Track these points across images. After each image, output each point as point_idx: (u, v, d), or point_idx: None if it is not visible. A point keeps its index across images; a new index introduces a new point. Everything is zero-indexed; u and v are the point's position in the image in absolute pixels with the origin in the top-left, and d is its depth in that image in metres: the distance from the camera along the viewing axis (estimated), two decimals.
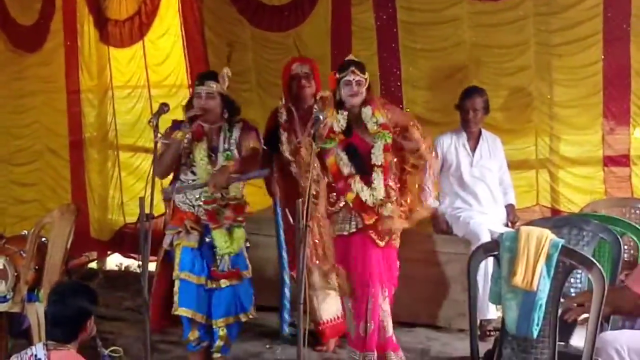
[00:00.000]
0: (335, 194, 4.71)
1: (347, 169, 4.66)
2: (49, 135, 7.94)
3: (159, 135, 4.13)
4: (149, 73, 7.50)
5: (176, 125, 4.68)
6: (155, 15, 7.32)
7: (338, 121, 4.67)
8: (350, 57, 4.88)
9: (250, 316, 4.84)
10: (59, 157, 7.92)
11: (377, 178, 4.62)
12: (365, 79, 4.67)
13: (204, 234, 4.73)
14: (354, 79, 4.62)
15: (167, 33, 7.37)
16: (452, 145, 5.68)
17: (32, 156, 7.99)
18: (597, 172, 5.95)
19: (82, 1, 7.56)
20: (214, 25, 7.07)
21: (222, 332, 4.76)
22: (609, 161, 5.90)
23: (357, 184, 4.64)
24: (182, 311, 4.67)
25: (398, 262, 4.79)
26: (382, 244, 4.65)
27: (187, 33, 7.23)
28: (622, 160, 5.87)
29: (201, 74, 4.97)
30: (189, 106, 4.76)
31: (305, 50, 6.62)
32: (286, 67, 5.39)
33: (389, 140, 4.65)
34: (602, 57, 5.77)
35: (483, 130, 5.73)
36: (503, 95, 6.08)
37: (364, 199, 4.62)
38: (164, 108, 4.27)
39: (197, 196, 4.71)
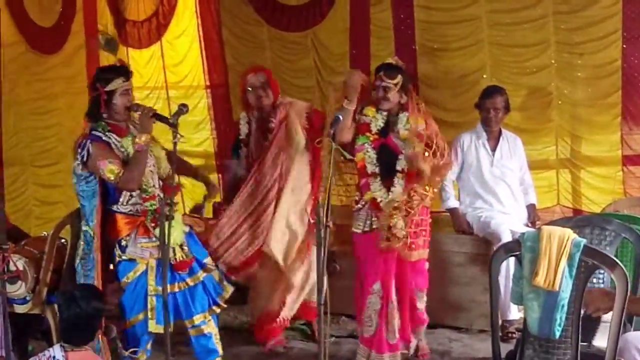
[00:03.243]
0: (358, 193, 4.76)
1: (371, 167, 4.69)
2: (71, 137, 7.84)
3: (179, 136, 4.10)
4: (166, 74, 7.52)
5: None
6: (172, 15, 7.34)
7: (377, 120, 4.70)
8: (388, 60, 4.84)
9: None
10: None
11: (398, 183, 4.63)
12: (396, 84, 4.63)
13: None
14: (380, 84, 4.64)
15: (185, 34, 7.39)
16: (472, 144, 5.64)
17: (56, 158, 7.95)
18: (616, 172, 5.90)
19: (102, 2, 7.58)
20: (231, 26, 7.08)
21: None
22: (627, 161, 5.85)
23: (375, 184, 4.66)
24: None
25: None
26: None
27: (204, 33, 7.27)
28: None
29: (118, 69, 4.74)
30: (137, 107, 4.56)
31: (323, 50, 6.64)
32: (242, 77, 5.38)
33: (418, 149, 4.59)
34: (621, 55, 5.72)
35: (503, 130, 5.69)
36: (522, 95, 6.05)
37: (378, 199, 4.64)
38: (183, 109, 4.25)
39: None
